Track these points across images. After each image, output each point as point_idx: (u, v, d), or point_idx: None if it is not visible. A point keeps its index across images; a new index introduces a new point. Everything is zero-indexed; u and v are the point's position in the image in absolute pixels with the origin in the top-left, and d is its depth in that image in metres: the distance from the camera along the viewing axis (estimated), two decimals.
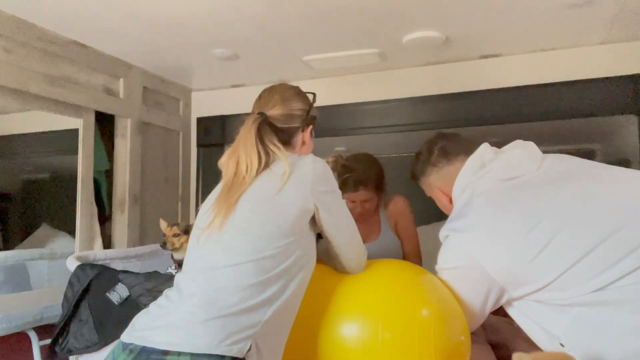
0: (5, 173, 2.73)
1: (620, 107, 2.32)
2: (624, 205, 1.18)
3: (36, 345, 2.15)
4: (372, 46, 2.35)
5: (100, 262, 2.00)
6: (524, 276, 1.22)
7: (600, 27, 2.15)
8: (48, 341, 1.93)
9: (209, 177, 3.05)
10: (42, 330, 2.18)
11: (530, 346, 1.27)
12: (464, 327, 1.32)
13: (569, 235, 1.17)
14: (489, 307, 1.33)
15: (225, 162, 1.34)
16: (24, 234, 2.73)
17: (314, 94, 1.52)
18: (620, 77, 2.30)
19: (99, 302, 1.81)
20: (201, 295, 1.13)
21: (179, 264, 1.95)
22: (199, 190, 3.09)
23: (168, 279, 1.79)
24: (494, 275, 1.26)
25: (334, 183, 1.34)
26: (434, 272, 1.42)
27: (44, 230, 2.68)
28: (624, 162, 2.73)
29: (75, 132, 2.34)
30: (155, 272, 1.88)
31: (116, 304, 1.79)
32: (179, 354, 1.06)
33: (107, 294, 1.80)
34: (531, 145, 1.44)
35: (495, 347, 1.64)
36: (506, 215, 1.27)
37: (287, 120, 1.41)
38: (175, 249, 1.94)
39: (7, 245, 2.64)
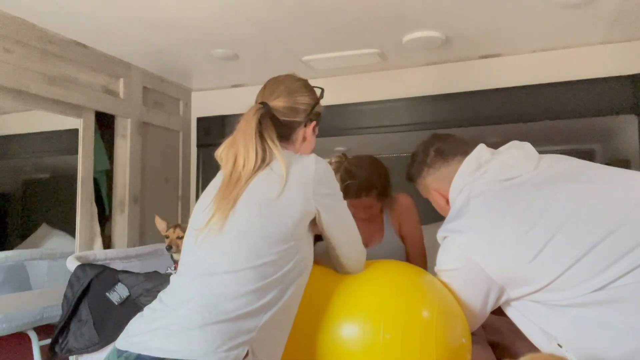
0: (5, 173, 2.73)
1: (620, 107, 2.31)
2: (621, 206, 1.18)
3: (36, 345, 2.15)
4: (372, 46, 2.35)
5: (100, 262, 2.00)
6: (522, 277, 1.22)
7: (600, 27, 2.15)
8: (48, 341, 1.93)
9: (209, 177, 3.05)
10: (42, 330, 2.17)
11: (530, 346, 1.27)
12: (464, 328, 1.32)
13: (567, 235, 1.17)
14: (490, 307, 1.33)
15: (225, 154, 1.29)
16: (24, 234, 2.72)
17: (322, 89, 1.47)
18: (620, 77, 2.30)
19: (99, 302, 1.81)
20: (198, 300, 1.11)
21: None
22: (199, 190, 3.09)
23: (168, 279, 1.79)
24: (492, 276, 1.26)
25: (335, 185, 1.30)
26: (434, 274, 1.42)
27: (44, 230, 2.68)
28: (624, 162, 2.73)
29: (75, 132, 2.34)
30: (155, 272, 1.88)
31: (116, 304, 1.79)
32: None
33: (107, 294, 1.80)
34: (527, 146, 1.43)
35: (495, 347, 1.65)
36: (504, 215, 1.27)
37: (290, 113, 1.36)
38: (180, 251, 1.93)
39: (7, 245, 2.64)
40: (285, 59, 2.49)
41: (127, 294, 1.79)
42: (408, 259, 2.05)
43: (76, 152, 2.33)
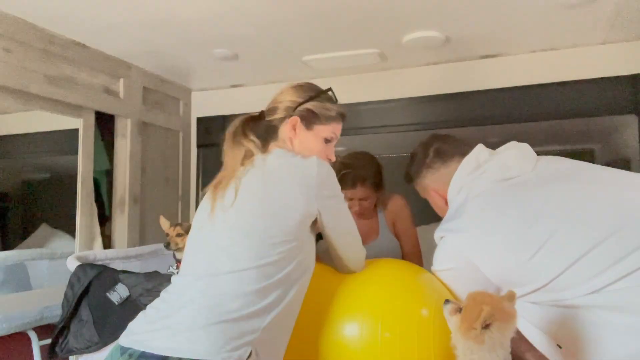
0: (5, 173, 2.73)
1: (620, 107, 2.31)
2: (619, 208, 1.18)
3: (36, 345, 2.15)
4: (372, 46, 2.35)
5: (100, 262, 2.00)
6: (519, 277, 1.22)
7: (600, 27, 2.15)
8: (48, 341, 1.93)
9: (209, 177, 3.04)
10: (42, 330, 2.18)
11: (529, 346, 1.27)
12: None
13: (565, 236, 1.17)
14: None
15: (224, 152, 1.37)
16: (24, 234, 2.72)
17: (327, 90, 1.43)
18: (620, 77, 2.30)
19: (99, 302, 1.81)
20: (202, 300, 1.11)
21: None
22: (199, 190, 3.09)
23: (168, 279, 1.79)
24: (488, 276, 1.26)
25: (337, 187, 1.31)
26: (432, 272, 1.42)
27: (44, 230, 2.68)
28: (624, 162, 2.72)
29: (75, 132, 2.34)
30: (156, 272, 1.89)
31: (116, 304, 1.79)
32: (179, 359, 1.05)
33: (107, 294, 1.80)
34: (526, 147, 1.44)
35: None
36: (502, 215, 1.27)
37: (270, 113, 1.41)
38: (178, 249, 1.94)
39: (7, 245, 2.64)
40: (285, 59, 2.49)
41: (128, 294, 1.79)
42: (403, 256, 2.11)
43: (76, 152, 2.33)
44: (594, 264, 1.12)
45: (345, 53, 2.41)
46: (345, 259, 1.37)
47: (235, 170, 1.29)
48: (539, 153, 1.45)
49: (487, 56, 2.50)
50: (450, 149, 1.51)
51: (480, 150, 1.45)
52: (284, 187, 1.22)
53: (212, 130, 3.03)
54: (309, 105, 1.38)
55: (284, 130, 1.38)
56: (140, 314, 1.20)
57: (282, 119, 1.38)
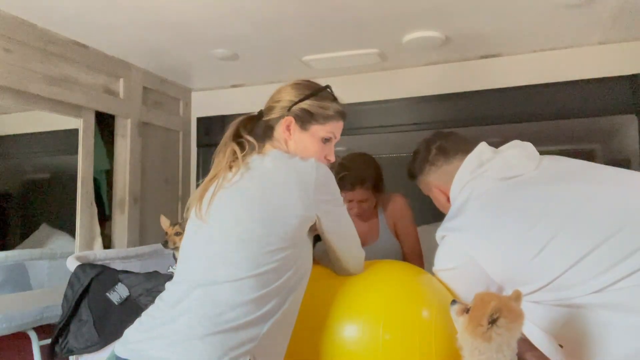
0: (5, 173, 2.73)
1: (620, 107, 2.31)
2: (622, 207, 1.18)
3: (36, 345, 2.15)
4: (372, 46, 2.35)
5: (100, 262, 2.00)
6: (521, 276, 1.21)
7: (600, 27, 2.15)
8: (48, 341, 1.93)
9: None
10: (42, 330, 2.18)
11: (529, 346, 1.27)
12: None
13: (568, 236, 1.17)
14: None
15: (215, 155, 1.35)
16: (24, 234, 2.72)
17: (324, 87, 1.39)
18: (620, 77, 2.30)
19: (99, 302, 1.81)
20: (199, 309, 1.09)
21: None
22: None
23: (168, 279, 1.79)
24: (491, 275, 1.26)
25: (336, 190, 1.28)
26: (432, 273, 1.42)
27: (44, 230, 2.68)
28: (624, 162, 2.72)
29: (75, 132, 2.34)
30: (155, 272, 1.88)
31: (116, 304, 1.79)
32: None
33: (107, 294, 1.80)
34: (529, 146, 1.44)
35: None
36: (504, 214, 1.27)
37: (268, 111, 1.37)
38: (177, 248, 1.94)
39: (7, 245, 2.64)
40: (285, 59, 2.49)
41: (127, 294, 1.79)
42: (404, 257, 2.09)
43: (76, 152, 2.33)
44: (597, 263, 1.12)
45: (345, 53, 2.41)
46: (344, 262, 1.36)
47: (226, 171, 1.26)
48: (539, 153, 1.44)
49: (487, 56, 2.50)
50: (453, 146, 1.50)
51: (483, 148, 1.45)
52: (281, 192, 1.19)
53: (212, 130, 3.03)
54: (305, 104, 1.32)
55: (279, 130, 1.34)
56: (136, 322, 1.17)
57: (278, 119, 1.34)
